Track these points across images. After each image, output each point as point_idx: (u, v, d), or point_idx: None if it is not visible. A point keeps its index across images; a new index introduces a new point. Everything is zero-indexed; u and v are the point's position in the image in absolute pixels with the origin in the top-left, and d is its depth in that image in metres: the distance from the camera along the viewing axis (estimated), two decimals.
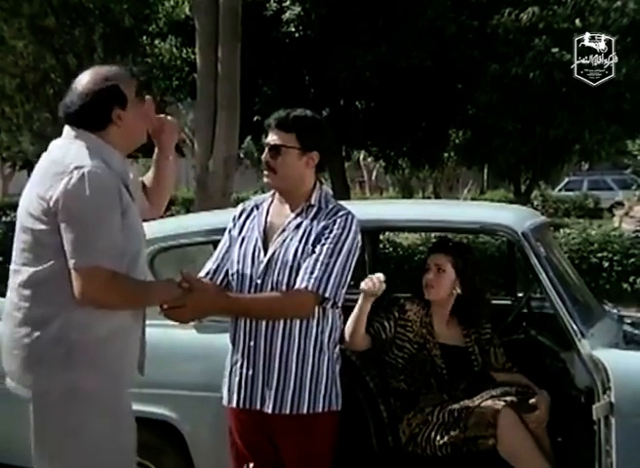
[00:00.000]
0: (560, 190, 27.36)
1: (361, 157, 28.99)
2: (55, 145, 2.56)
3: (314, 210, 2.84)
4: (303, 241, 2.77)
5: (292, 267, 2.75)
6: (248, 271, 2.83)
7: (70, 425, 2.46)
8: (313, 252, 2.74)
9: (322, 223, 2.79)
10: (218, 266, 2.95)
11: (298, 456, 2.82)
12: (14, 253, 2.52)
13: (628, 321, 3.77)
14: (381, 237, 7.87)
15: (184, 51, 13.57)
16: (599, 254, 8.67)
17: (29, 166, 20.93)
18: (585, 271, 8.15)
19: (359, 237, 2.85)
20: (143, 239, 2.66)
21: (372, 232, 4.33)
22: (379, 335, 3.38)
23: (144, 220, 2.76)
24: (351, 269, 2.79)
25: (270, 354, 2.78)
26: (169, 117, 2.86)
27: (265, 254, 2.81)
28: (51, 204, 2.38)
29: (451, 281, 3.46)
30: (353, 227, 2.80)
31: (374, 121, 13.77)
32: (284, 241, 2.80)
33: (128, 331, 2.56)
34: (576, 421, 3.14)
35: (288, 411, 2.76)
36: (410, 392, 3.41)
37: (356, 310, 3.20)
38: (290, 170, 2.82)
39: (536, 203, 22.03)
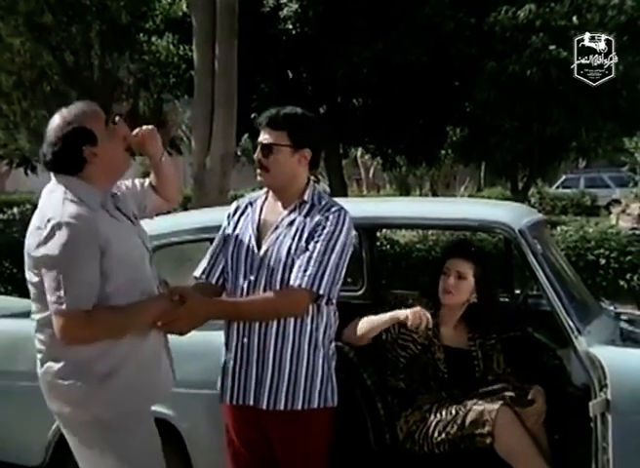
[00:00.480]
0: (557, 188, 27.37)
1: (358, 154, 28.99)
2: (44, 192, 2.64)
3: (307, 206, 2.84)
4: (297, 238, 2.77)
5: (285, 264, 2.75)
6: (242, 268, 2.83)
7: (95, 450, 2.62)
8: (307, 249, 2.74)
9: (315, 220, 2.79)
10: (212, 265, 2.96)
11: (293, 453, 2.83)
12: None
13: (625, 318, 3.77)
14: (379, 234, 7.87)
15: (181, 48, 13.57)
16: (596, 252, 8.67)
17: (26, 163, 20.87)
18: (582, 268, 8.14)
19: (353, 233, 2.85)
20: (140, 258, 2.68)
21: (369, 229, 4.32)
22: (379, 334, 3.38)
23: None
24: (345, 265, 2.80)
25: (264, 351, 2.78)
26: (144, 127, 2.86)
27: (259, 251, 2.81)
28: (33, 256, 2.52)
29: (470, 288, 3.44)
30: (346, 223, 2.80)
31: (371, 118, 13.77)
32: (277, 238, 2.80)
33: (145, 353, 2.64)
34: (572, 418, 3.14)
35: (282, 407, 2.77)
36: (408, 391, 3.41)
37: (379, 321, 3.27)
38: (282, 168, 2.82)
39: (533, 200, 22.05)
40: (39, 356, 2.64)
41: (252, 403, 2.80)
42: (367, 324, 3.27)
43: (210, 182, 9.60)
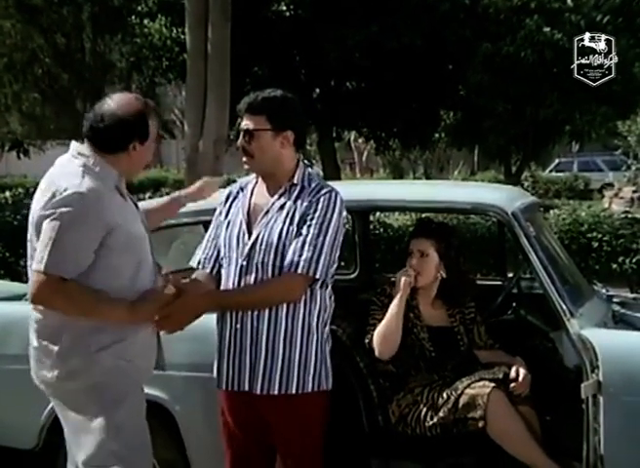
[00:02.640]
0: (550, 171, 27.38)
1: (352, 138, 28.92)
2: (57, 163, 2.69)
3: (297, 189, 2.83)
4: (288, 221, 2.76)
5: (277, 248, 2.75)
6: (234, 255, 2.82)
7: (83, 417, 2.64)
8: (299, 233, 2.73)
9: (305, 202, 2.77)
10: (207, 255, 2.96)
11: (289, 436, 2.83)
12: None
13: (617, 301, 3.79)
14: (372, 218, 7.86)
15: (174, 31, 13.46)
16: (589, 235, 8.68)
17: (18, 147, 20.76)
18: (575, 252, 8.16)
19: (344, 214, 2.85)
20: (143, 240, 2.73)
21: (362, 212, 4.32)
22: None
23: None
24: (339, 247, 2.79)
25: (257, 337, 2.77)
26: (207, 179, 3.27)
27: (250, 237, 2.80)
28: (40, 215, 2.55)
29: (435, 264, 3.45)
30: (338, 204, 2.79)
31: (364, 102, 13.72)
32: (268, 222, 2.79)
33: (139, 332, 2.67)
34: (564, 400, 3.16)
35: (276, 392, 2.77)
36: (398, 373, 3.42)
37: (390, 318, 3.33)
38: (266, 152, 2.81)
39: (526, 184, 22.04)
40: (35, 326, 2.65)
41: (247, 388, 2.80)
42: (382, 330, 3.35)
43: (203, 166, 9.57)
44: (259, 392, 2.78)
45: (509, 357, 3.39)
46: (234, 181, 3.22)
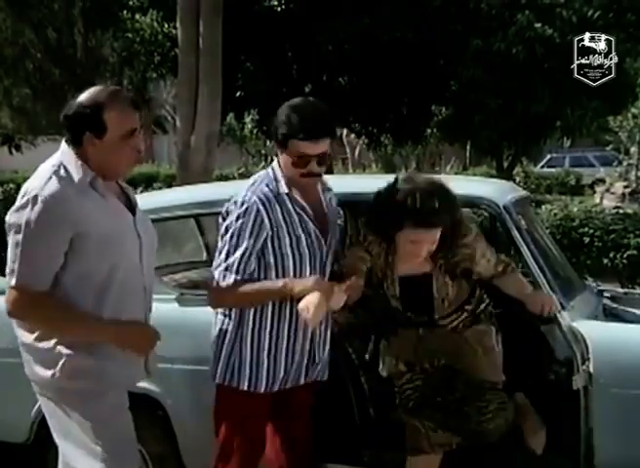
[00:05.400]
0: (542, 167, 27.41)
1: (344, 134, 28.91)
2: (45, 163, 2.61)
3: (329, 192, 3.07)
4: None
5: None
6: (311, 262, 2.86)
7: (70, 416, 2.60)
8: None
9: (334, 204, 3.09)
10: (250, 269, 2.83)
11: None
12: None
13: (608, 294, 3.81)
14: None
15: (166, 25, 13.43)
16: (580, 230, 8.70)
17: (9, 142, 20.69)
18: (567, 247, 8.17)
19: None
20: (124, 245, 2.59)
21: (353, 205, 4.31)
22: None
23: None
24: None
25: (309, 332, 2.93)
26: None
27: (326, 241, 2.93)
28: (6, 221, 2.50)
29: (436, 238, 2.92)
30: None
31: (356, 97, 13.72)
32: (330, 225, 2.98)
33: None
34: (556, 392, 3.17)
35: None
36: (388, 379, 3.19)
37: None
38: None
39: (518, 179, 22.08)
40: (15, 322, 2.62)
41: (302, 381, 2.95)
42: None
43: (195, 161, 9.56)
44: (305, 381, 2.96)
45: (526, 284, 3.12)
46: (226, 177, 3.21)
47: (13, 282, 2.46)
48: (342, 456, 3.31)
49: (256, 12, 12.59)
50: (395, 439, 3.28)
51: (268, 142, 18.92)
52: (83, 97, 2.52)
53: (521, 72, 11.96)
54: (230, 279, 2.76)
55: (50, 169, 2.51)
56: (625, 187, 16.48)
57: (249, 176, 3.20)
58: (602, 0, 11.96)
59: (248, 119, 17.47)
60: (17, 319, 2.55)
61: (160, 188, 18.52)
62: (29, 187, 2.48)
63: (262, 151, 21.21)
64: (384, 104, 13.70)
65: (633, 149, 18.13)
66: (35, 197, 2.43)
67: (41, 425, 3.37)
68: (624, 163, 18.47)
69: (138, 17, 14.00)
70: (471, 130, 13.78)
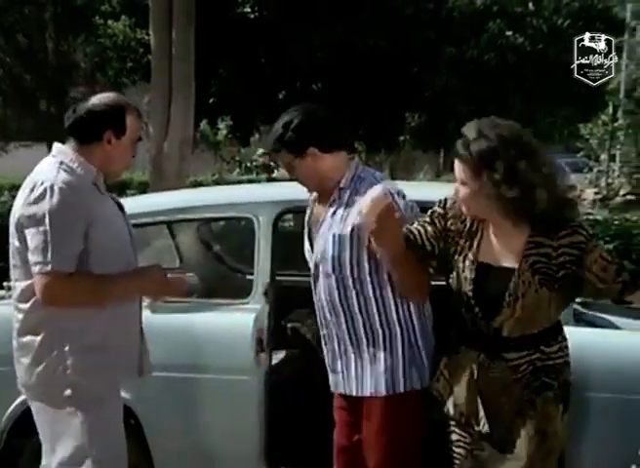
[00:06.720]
0: None
1: None
2: (39, 164, 2.67)
3: (348, 193, 2.82)
4: (342, 227, 2.75)
5: (333, 256, 2.76)
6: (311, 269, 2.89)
7: (64, 422, 2.62)
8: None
9: (357, 205, 2.68)
10: None
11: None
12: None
13: (578, 300, 3.84)
14: None
15: (138, 31, 13.38)
16: None
17: None
18: None
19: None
20: (125, 240, 2.74)
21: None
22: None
23: None
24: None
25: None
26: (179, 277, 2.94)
27: (313, 250, 2.87)
28: (20, 216, 2.55)
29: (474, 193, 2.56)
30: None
31: (330, 104, 13.73)
32: (323, 233, 2.82)
33: (121, 336, 2.69)
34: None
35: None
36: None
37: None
38: (307, 175, 2.85)
39: None
40: (17, 326, 2.65)
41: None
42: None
43: (168, 168, 9.53)
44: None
45: None
46: (200, 184, 3.22)
47: (48, 268, 2.47)
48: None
49: (229, 18, 12.60)
50: None
51: (242, 149, 18.90)
52: (102, 98, 2.66)
53: (493, 79, 12.09)
54: None
55: (54, 163, 2.61)
56: (596, 194, 16.66)
57: (223, 184, 3.21)
58: (571, 9, 12.13)
59: (222, 125, 17.45)
60: (55, 305, 2.54)
61: (133, 195, 18.42)
62: (39, 180, 2.54)
63: (237, 158, 21.18)
64: (358, 111, 13.75)
65: (603, 156, 18.38)
66: (52, 186, 2.50)
67: (11, 434, 3.33)
68: (595, 170, 18.70)
69: (110, 22, 13.94)
70: (445, 136, 13.86)
